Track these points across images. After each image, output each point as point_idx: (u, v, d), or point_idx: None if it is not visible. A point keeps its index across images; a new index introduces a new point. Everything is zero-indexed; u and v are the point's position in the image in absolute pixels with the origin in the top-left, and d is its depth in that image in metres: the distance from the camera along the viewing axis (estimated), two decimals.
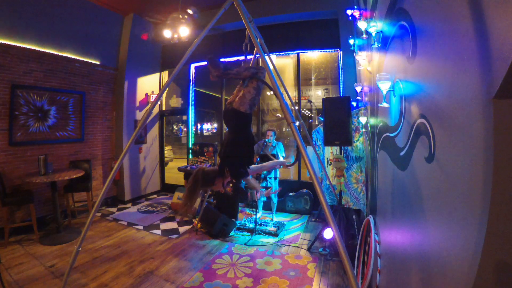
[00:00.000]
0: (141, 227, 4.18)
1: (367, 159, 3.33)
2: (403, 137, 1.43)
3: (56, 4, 4.40)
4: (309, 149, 4.10)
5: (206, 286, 2.63)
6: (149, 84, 6.14)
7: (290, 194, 4.90)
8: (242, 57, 2.57)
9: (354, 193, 3.52)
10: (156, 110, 6.38)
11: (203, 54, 5.72)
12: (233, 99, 1.94)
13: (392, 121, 1.70)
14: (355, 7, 3.13)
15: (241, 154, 1.90)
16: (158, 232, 4.01)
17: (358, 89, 3.47)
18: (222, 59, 6.01)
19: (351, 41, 3.80)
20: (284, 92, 2.66)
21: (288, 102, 3.67)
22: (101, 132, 5.31)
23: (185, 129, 7.05)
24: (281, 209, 4.81)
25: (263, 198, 4.36)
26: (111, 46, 5.48)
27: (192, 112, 6.20)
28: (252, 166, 2.01)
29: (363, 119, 3.23)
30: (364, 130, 3.36)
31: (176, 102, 6.28)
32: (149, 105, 5.71)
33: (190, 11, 3.84)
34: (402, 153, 1.43)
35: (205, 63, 6.12)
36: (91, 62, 5.02)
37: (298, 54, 5.37)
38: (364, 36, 2.39)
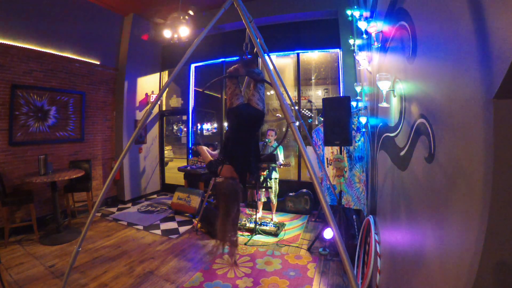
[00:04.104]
0: (141, 227, 4.18)
1: (367, 159, 3.33)
2: (403, 137, 1.43)
3: (56, 4, 4.40)
4: (309, 149, 4.10)
5: (206, 286, 2.63)
6: (149, 84, 6.14)
7: (290, 194, 4.90)
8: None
9: (356, 192, 3.52)
10: (156, 110, 6.39)
11: (203, 54, 5.76)
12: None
13: (392, 121, 1.70)
14: (355, 7, 3.13)
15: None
16: (158, 232, 4.01)
17: (358, 89, 3.48)
18: (221, 59, 6.00)
19: (351, 41, 3.80)
20: (284, 92, 2.67)
21: (288, 102, 3.67)
22: (101, 132, 5.31)
23: (185, 129, 7.05)
24: (281, 209, 4.81)
25: (263, 199, 4.35)
26: (111, 46, 5.47)
27: (192, 112, 6.20)
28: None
29: (363, 119, 3.23)
30: (364, 130, 3.36)
31: (176, 102, 6.27)
32: (149, 105, 5.72)
33: (191, 12, 3.87)
34: (402, 153, 1.43)
35: (205, 63, 6.14)
36: (91, 62, 5.02)
37: (298, 54, 5.37)
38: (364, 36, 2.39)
